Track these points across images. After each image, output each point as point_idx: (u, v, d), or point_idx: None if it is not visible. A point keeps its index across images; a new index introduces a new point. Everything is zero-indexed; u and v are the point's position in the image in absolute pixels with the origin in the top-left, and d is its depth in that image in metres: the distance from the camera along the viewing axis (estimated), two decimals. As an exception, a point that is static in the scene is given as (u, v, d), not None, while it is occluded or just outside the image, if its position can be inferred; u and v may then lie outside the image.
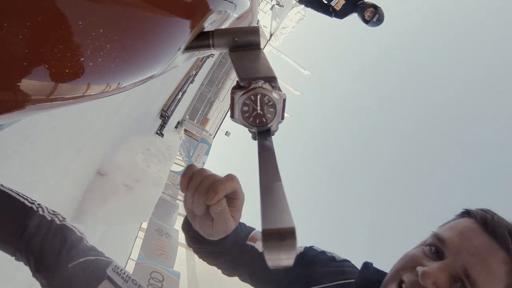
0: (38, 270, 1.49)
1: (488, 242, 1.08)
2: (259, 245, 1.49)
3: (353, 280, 1.33)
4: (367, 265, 1.39)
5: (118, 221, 4.94)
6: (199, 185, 0.92)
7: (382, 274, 1.31)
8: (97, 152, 4.14)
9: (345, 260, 1.47)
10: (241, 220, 1.26)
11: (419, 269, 1.09)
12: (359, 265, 1.41)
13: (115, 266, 1.52)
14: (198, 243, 1.29)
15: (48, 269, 1.48)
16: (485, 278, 1.04)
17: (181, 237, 12.61)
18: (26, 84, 0.44)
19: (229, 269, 1.53)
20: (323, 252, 1.52)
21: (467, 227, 1.14)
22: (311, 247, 1.56)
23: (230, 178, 0.94)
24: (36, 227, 1.52)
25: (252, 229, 1.58)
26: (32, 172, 2.48)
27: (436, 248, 1.15)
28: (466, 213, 1.21)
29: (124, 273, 1.51)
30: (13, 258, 1.54)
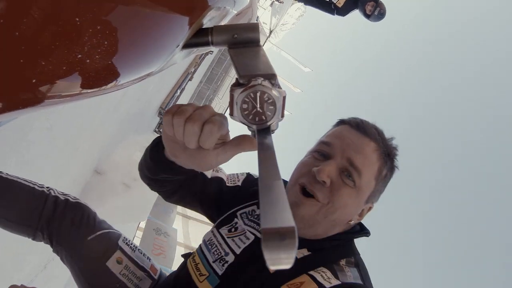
0: (60, 243, 1.68)
1: (362, 137, 1.43)
2: (207, 172, 1.70)
3: None
4: (250, 177, 1.72)
5: (115, 221, 4.93)
6: (193, 114, 0.86)
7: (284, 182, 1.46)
8: (95, 151, 4.14)
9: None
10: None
11: (315, 169, 1.37)
12: None
13: (124, 237, 1.82)
14: (168, 172, 1.27)
15: (69, 242, 1.68)
16: (364, 163, 1.38)
17: (180, 236, 12.61)
18: (23, 82, 0.44)
19: (174, 195, 1.65)
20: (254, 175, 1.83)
21: (345, 130, 1.47)
22: (249, 173, 1.88)
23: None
24: (54, 206, 1.71)
25: None
26: (28, 171, 2.48)
27: (323, 152, 1.45)
28: (341, 122, 1.55)
29: (132, 244, 1.81)
30: (29, 240, 1.72)
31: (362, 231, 1.56)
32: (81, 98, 0.59)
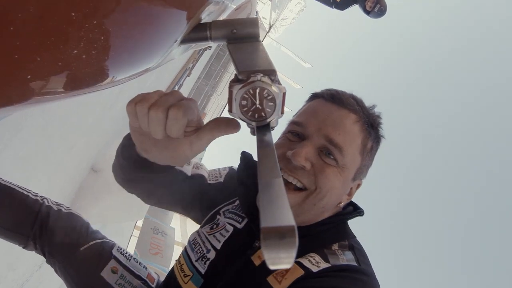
0: (53, 255, 1.67)
1: (338, 110, 1.32)
2: (186, 169, 1.61)
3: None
4: (243, 155, 1.60)
5: (112, 219, 4.94)
6: (157, 100, 0.82)
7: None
8: (91, 148, 4.14)
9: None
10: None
11: (289, 153, 1.26)
12: None
13: (119, 247, 1.77)
14: (142, 170, 1.18)
15: (62, 253, 1.66)
16: (344, 138, 1.28)
17: (178, 235, 12.62)
18: (17, 78, 0.44)
19: (152, 196, 1.55)
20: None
21: (319, 105, 1.37)
22: (231, 167, 1.78)
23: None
24: (47, 216, 1.70)
25: None
26: (23, 169, 2.48)
27: (296, 132, 1.34)
28: (314, 96, 1.45)
29: (127, 253, 1.76)
30: (20, 247, 1.71)
31: (354, 210, 1.48)
32: (76, 94, 0.59)
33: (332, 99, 1.36)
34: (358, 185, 1.46)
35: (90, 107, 3.38)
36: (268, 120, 0.76)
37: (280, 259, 0.46)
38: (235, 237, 1.42)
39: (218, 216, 1.58)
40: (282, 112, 0.77)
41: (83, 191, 4.22)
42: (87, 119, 3.45)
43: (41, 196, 1.78)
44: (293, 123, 1.38)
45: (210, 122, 0.88)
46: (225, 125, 0.85)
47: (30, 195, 1.74)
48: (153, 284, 1.77)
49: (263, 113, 0.75)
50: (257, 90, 0.73)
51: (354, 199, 1.49)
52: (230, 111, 0.78)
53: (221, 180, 1.70)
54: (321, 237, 1.37)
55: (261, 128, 0.76)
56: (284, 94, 0.75)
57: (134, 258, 1.78)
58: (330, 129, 1.28)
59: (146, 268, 1.81)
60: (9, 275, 2.89)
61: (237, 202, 1.58)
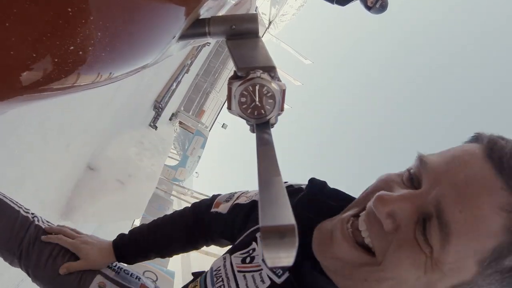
0: (36, 277, 1.62)
1: (487, 173, 0.76)
2: (222, 208, 1.44)
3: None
4: (312, 183, 1.16)
5: (109, 218, 4.94)
6: None
7: (343, 197, 1.11)
8: (88, 146, 4.14)
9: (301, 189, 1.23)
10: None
11: (379, 193, 0.83)
12: None
13: None
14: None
15: (45, 277, 1.61)
16: (466, 224, 0.73)
17: (176, 234, 12.62)
18: (13, 74, 0.44)
19: (206, 243, 1.53)
20: (290, 186, 1.28)
21: (465, 152, 0.83)
22: None
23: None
24: (34, 237, 1.63)
25: (216, 196, 1.55)
26: (19, 167, 2.48)
27: (414, 173, 0.87)
28: (475, 139, 0.88)
29: (116, 266, 1.67)
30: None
31: None
32: (73, 91, 0.59)
33: (489, 150, 0.79)
34: None
35: (87, 104, 3.38)
36: (268, 117, 0.76)
37: (280, 259, 0.46)
38: None
39: (254, 244, 1.17)
40: (282, 109, 0.77)
41: (79, 190, 4.22)
42: (84, 116, 3.45)
43: (32, 213, 1.73)
44: (419, 159, 0.87)
45: None
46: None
47: (22, 211, 1.69)
48: None
49: (262, 111, 0.75)
50: (257, 87, 0.72)
51: None
52: (229, 108, 0.78)
53: (256, 198, 1.35)
54: None
55: (261, 126, 0.76)
56: (284, 91, 0.75)
57: (124, 270, 1.72)
58: (452, 194, 0.76)
59: (139, 278, 1.73)
60: (5, 274, 2.90)
61: None
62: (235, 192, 1.48)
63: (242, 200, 1.40)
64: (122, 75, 0.69)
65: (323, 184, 1.16)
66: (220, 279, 1.14)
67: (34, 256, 1.61)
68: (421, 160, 0.85)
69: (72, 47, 0.47)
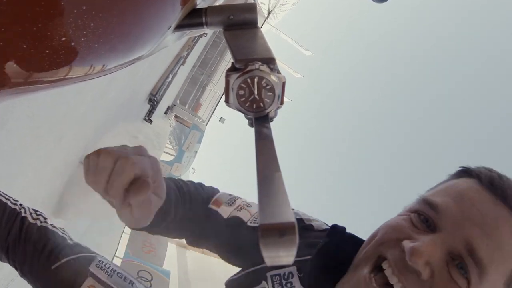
0: (23, 272, 1.59)
1: (498, 208, 0.92)
2: (223, 210, 1.37)
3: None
4: (334, 230, 1.20)
5: (102, 215, 4.94)
6: (114, 166, 0.81)
7: (357, 242, 1.14)
8: (80, 140, 4.14)
9: (316, 229, 1.28)
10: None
11: (406, 244, 0.92)
12: None
13: (99, 261, 1.61)
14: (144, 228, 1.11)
15: (32, 272, 1.57)
16: (493, 254, 0.88)
17: (172, 232, 12.64)
18: (2, 66, 0.44)
19: (193, 240, 1.42)
20: (300, 220, 1.33)
21: (469, 189, 0.97)
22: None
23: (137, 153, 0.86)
24: (20, 230, 1.60)
25: (215, 191, 1.44)
26: (8, 162, 2.48)
27: (426, 217, 0.97)
28: (465, 172, 1.04)
29: (109, 267, 1.60)
30: None
31: None
32: (65, 84, 0.59)
33: (491, 185, 0.96)
34: None
35: (79, 96, 3.38)
36: (267, 111, 0.76)
37: (280, 258, 0.46)
38: None
39: (264, 283, 1.16)
40: (282, 103, 0.77)
41: (71, 185, 4.22)
42: (77, 109, 3.45)
43: (20, 205, 1.70)
44: (425, 202, 1.00)
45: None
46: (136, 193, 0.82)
47: (9, 202, 1.67)
48: None
49: (261, 104, 0.75)
50: (255, 80, 0.72)
51: None
52: (226, 101, 0.78)
53: None
54: None
55: (260, 120, 0.76)
56: (283, 83, 0.75)
57: (118, 273, 1.63)
58: (477, 231, 0.89)
59: (132, 283, 1.66)
60: (-5, 273, 2.90)
61: (292, 269, 1.15)
62: (236, 197, 1.42)
63: (246, 217, 1.34)
64: (116, 67, 0.69)
65: (343, 231, 1.20)
66: None
67: (20, 250, 1.59)
68: (430, 203, 0.97)
69: (63, 38, 0.47)
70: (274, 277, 1.15)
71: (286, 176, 0.56)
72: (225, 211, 1.36)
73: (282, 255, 0.46)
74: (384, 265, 0.95)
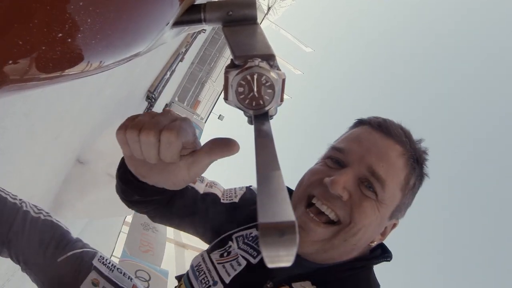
0: (27, 265, 1.62)
1: (385, 140, 1.32)
2: (198, 186, 1.59)
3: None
4: None
5: (99, 214, 4.94)
6: (147, 123, 0.84)
7: (289, 191, 1.45)
8: (77, 138, 4.13)
9: None
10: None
11: (326, 180, 1.26)
12: None
13: (100, 256, 1.72)
14: (141, 193, 1.18)
15: (37, 264, 1.62)
16: (388, 171, 1.27)
17: (170, 232, 12.63)
18: (-2, 63, 0.44)
19: (158, 216, 1.54)
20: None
21: (364, 132, 1.37)
22: (249, 187, 1.71)
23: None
24: (23, 223, 1.63)
25: None
26: (3, 161, 2.47)
27: (337, 159, 1.34)
28: (359, 122, 1.45)
29: (109, 263, 1.71)
30: None
31: (383, 254, 1.44)
32: (62, 80, 0.59)
33: (379, 127, 1.35)
34: (394, 225, 1.42)
35: (76, 94, 3.38)
36: (267, 108, 0.76)
37: (279, 257, 0.46)
38: (247, 272, 1.38)
39: (230, 242, 1.51)
40: (282, 100, 0.77)
41: (68, 184, 4.21)
42: (73, 106, 3.44)
43: (20, 200, 1.73)
44: (333, 148, 1.38)
45: (206, 144, 0.88)
46: (223, 147, 0.86)
47: (9, 197, 1.69)
48: None
49: (261, 101, 0.75)
50: (255, 76, 0.72)
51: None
52: (225, 98, 0.78)
53: (236, 200, 1.63)
54: (342, 286, 1.34)
55: (259, 117, 0.76)
56: (283, 80, 0.75)
57: (118, 269, 1.74)
58: (374, 159, 1.28)
59: (131, 279, 1.77)
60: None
61: (254, 232, 1.51)
62: (203, 176, 1.68)
63: (218, 194, 1.62)
64: (113, 64, 0.69)
65: None
66: (202, 272, 1.45)
67: (24, 243, 1.61)
68: (338, 148, 1.36)
69: (60, 34, 0.47)
70: (238, 237, 1.50)
71: (286, 174, 0.56)
72: (200, 187, 1.62)
73: (282, 255, 0.46)
74: (314, 200, 1.29)
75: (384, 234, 1.40)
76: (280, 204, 0.49)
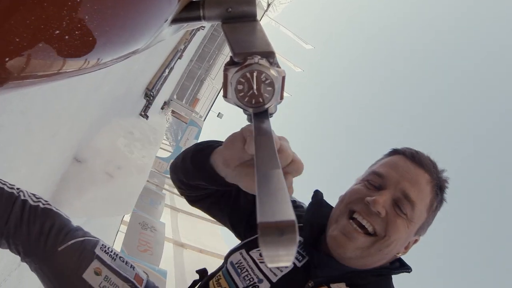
0: (27, 254, 1.61)
1: (417, 169, 1.56)
2: None
3: (301, 225, 1.67)
4: (317, 196, 1.79)
5: (97, 213, 4.93)
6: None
7: (327, 205, 1.75)
8: (74, 136, 4.12)
9: (302, 206, 1.87)
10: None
11: (369, 198, 1.49)
12: None
13: (102, 245, 1.73)
14: (208, 180, 1.30)
15: (38, 253, 1.61)
16: (418, 195, 1.51)
17: (168, 231, 12.63)
18: (-5, 60, 0.44)
19: (201, 202, 1.72)
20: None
21: (400, 161, 1.60)
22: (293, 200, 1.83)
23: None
24: (21, 212, 1.62)
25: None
26: (0, 159, 2.47)
27: (376, 182, 1.57)
28: (395, 152, 1.68)
29: (112, 251, 1.72)
30: None
31: (402, 266, 1.67)
32: (59, 78, 0.59)
33: (412, 158, 1.59)
34: (416, 241, 1.66)
35: (73, 91, 3.37)
36: (266, 106, 0.76)
37: (279, 257, 0.46)
38: (293, 275, 1.53)
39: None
40: (282, 98, 0.77)
41: (65, 183, 4.20)
42: (70, 105, 3.43)
43: (17, 189, 1.72)
44: (374, 173, 1.61)
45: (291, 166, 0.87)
46: (298, 171, 0.87)
47: (6, 187, 1.68)
48: (141, 285, 1.74)
49: (260, 99, 0.75)
50: (254, 74, 0.72)
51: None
52: (225, 96, 0.78)
53: None
54: None
55: (259, 115, 0.76)
56: (283, 78, 0.75)
57: (120, 257, 1.75)
58: (407, 184, 1.52)
59: (133, 267, 1.77)
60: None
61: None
62: None
63: None
64: (111, 61, 0.69)
65: (322, 194, 1.82)
66: (245, 269, 1.57)
67: (23, 233, 1.60)
68: (377, 173, 1.58)
69: (57, 31, 0.47)
70: None
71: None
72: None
73: (281, 254, 0.46)
74: (355, 215, 1.51)
75: (407, 247, 1.63)
76: (280, 203, 0.49)
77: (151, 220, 11.56)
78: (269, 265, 0.47)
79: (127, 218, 11.28)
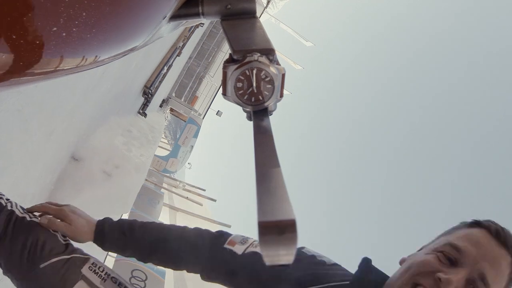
0: (8, 269, 1.53)
1: (500, 249, 1.42)
2: (238, 248, 1.67)
3: (347, 282, 1.54)
4: (367, 263, 1.63)
5: (95, 213, 4.93)
6: None
7: (381, 275, 1.60)
8: (71, 135, 4.12)
9: (335, 264, 1.68)
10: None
11: (442, 276, 1.36)
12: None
13: (93, 263, 1.58)
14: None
15: (18, 269, 1.52)
16: (495, 278, 1.38)
17: (167, 230, 12.61)
18: (-9, 58, 0.44)
19: (207, 277, 1.73)
20: (313, 256, 1.68)
21: (483, 237, 1.46)
22: (301, 248, 1.72)
23: None
24: (7, 223, 1.55)
25: (225, 233, 1.78)
26: (-3, 158, 2.47)
27: (451, 256, 1.43)
28: (477, 224, 1.52)
29: (103, 271, 1.57)
30: None
31: None
32: (56, 76, 0.59)
33: (497, 236, 1.45)
34: None
35: (70, 89, 3.37)
36: (266, 104, 0.76)
37: (279, 256, 0.46)
38: None
39: None
40: (281, 95, 0.77)
41: (62, 182, 4.20)
42: (67, 103, 3.43)
43: (6, 199, 1.64)
44: (450, 245, 1.47)
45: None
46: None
47: None
48: None
49: (260, 97, 0.75)
50: (254, 71, 0.72)
51: None
52: (224, 94, 0.78)
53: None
54: None
55: (258, 113, 0.76)
56: (283, 75, 0.75)
57: (112, 277, 1.61)
58: (487, 266, 1.40)
59: None
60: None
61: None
62: (248, 237, 1.75)
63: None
64: (108, 59, 0.69)
65: (370, 261, 1.65)
66: None
67: (6, 245, 1.53)
68: (455, 246, 1.43)
69: (55, 28, 0.47)
70: None
71: (286, 171, 0.56)
72: (239, 249, 1.67)
73: (282, 254, 0.46)
74: None
75: None
76: (279, 202, 0.48)
77: (149, 220, 11.56)
78: (269, 265, 0.47)
79: (125, 217, 11.28)
